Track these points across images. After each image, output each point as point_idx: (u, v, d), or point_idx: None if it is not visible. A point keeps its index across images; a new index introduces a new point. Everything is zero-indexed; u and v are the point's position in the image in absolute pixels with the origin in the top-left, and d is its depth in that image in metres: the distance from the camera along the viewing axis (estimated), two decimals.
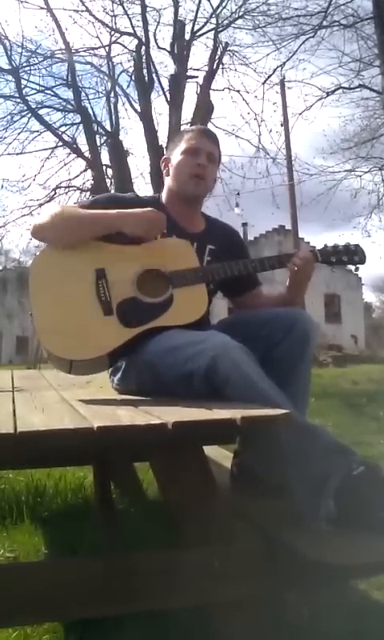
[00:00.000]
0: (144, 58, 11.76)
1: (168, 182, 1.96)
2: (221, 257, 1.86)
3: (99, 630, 1.42)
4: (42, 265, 1.77)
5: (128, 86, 13.25)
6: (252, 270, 1.83)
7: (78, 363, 1.70)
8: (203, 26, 12.18)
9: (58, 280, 1.73)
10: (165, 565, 1.22)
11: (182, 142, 1.93)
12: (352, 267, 1.96)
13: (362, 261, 1.86)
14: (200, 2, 11.87)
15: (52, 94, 12.50)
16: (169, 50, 11.92)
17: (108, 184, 11.90)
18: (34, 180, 12.46)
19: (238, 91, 12.40)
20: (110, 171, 12.16)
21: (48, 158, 12.52)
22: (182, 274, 1.73)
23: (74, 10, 11.97)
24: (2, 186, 12.89)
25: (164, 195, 1.97)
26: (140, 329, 1.67)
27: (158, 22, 12.16)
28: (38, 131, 12.40)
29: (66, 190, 12.85)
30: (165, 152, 2.28)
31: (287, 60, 11.95)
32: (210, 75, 11.88)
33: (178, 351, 1.55)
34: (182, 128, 10.49)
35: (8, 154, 12.30)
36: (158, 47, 12.17)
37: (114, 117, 12.45)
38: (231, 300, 2.06)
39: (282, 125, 13.88)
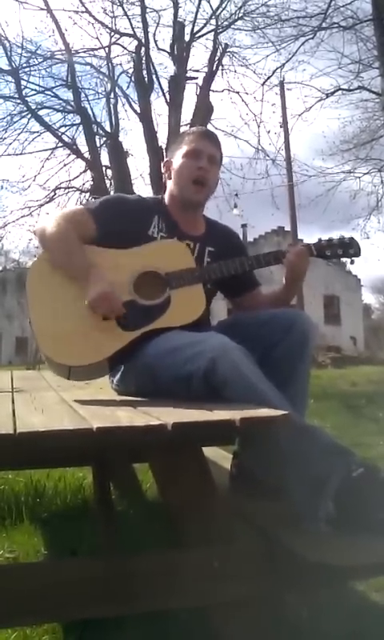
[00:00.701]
0: (144, 59, 11.76)
1: (170, 185, 1.95)
2: (221, 259, 1.85)
3: (98, 630, 1.42)
4: (40, 270, 1.78)
5: (128, 87, 13.22)
6: (248, 267, 1.83)
7: (77, 369, 1.70)
8: (203, 28, 12.21)
9: (55, 285, 1.72)
10: (164, 565, 1.22)
11: (183, 144, 1.92)
12: (348, 260, 1.92)
13: (357, 254, 1.85)
14: (199, 4, 11.90)
15: (52, 94, 12.52)
16: (168, 51, 11.94)
17: (107, 185, 11.91)
18: (33, 181, 12.48)
19: (238, 92, 12.42)
20: (109, 172, 12.17)
21: (48, 158, 12.55)
22: (178, 274, 1.73)
23: (74, 11, 11.99)
24: (2, 187, 12.92)
25: (166, 197, 1.96)
26: (138, 332, 1.67)
27: (158, 24, 12.18)
28: (37, 132, 12.43)
29: (66, 190, 12.87)
30: (165, 153, 2.28)
31: (286, 61, 11.93)
32: (210, 76, 11.88)
33: (176, 353, 1.55)
34: (182, 129, 10.50)
35: (8, 154, 12.33)
36: (158, 48, 12.20)
37: (113, 118, 12.48)
38: (230, 301, 2.06)
39: (281, 126, 13.88)
